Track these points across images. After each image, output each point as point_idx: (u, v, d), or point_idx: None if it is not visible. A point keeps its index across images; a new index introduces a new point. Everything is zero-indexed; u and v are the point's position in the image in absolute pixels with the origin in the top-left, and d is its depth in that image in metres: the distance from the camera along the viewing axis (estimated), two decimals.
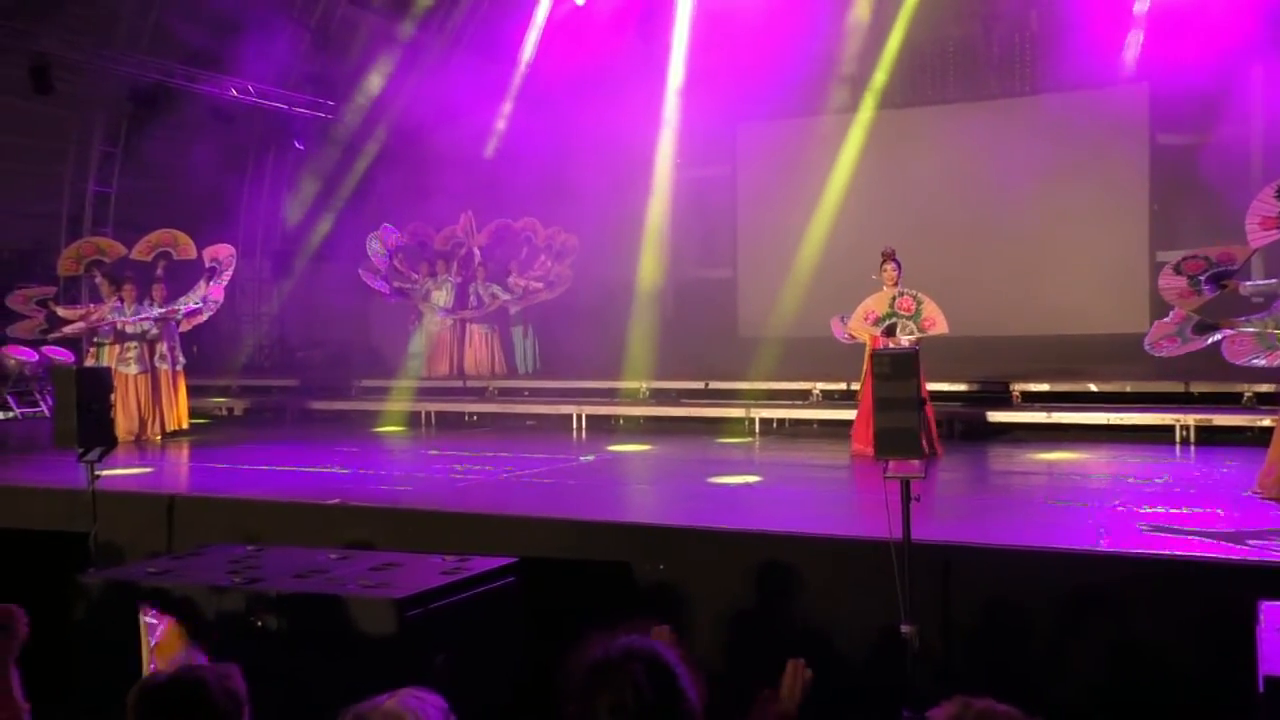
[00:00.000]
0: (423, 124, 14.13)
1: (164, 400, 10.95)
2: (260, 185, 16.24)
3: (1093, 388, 10.09)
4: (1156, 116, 12.35)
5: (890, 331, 8.38)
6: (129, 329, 10.79)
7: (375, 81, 14.79)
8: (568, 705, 2.13)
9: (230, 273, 11.52)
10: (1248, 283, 7.09)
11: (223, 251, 11.45)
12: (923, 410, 5.29)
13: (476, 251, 14.27)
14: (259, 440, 10.85)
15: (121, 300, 10.80)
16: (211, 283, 11.28)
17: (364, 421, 12.16)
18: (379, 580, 4.61)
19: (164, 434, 10.87)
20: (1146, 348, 7.23)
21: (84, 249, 11.54)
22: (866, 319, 8.45)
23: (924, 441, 7.96)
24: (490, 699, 4.58)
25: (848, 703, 5.10)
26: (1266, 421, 8.54)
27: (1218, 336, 6.80)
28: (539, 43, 14.55)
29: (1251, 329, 6.71)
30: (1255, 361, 6.82)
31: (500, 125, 14.63)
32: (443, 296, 14.05)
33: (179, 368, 11.14)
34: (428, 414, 12.17)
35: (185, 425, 11.14)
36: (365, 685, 2.38)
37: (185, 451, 10.31)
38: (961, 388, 10.24)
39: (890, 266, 8.48)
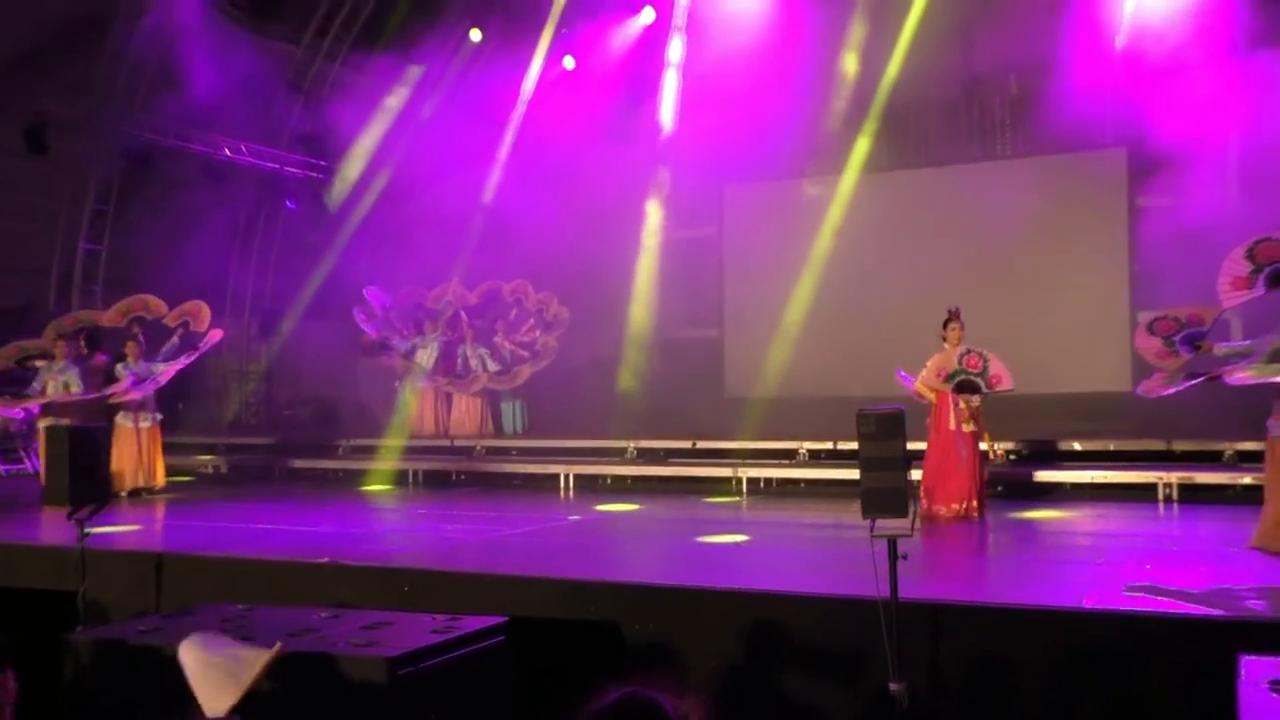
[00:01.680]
0: (414, 184, 14.31)
1: (146, 456, 10.96)
2: (251, 244, 16.35)
3: (1076, 446, 10.18)
4: (1135, 179, 12.59)
5: (962, 389, 8.42)
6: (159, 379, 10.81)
7: (368, 142, 14.99)
8: None
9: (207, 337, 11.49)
10: (1222, 344, 7.23)
11: (196, 313, 11.44)
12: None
13: (463, 313, 14.37)
14: (246, 499, 10.83)
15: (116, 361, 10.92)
16: (193, 349, 11.27)
17: (351, 480, 12.15)
18: (370, 639, 4.62)
19: (149, 490, 10.86)
20: (1140, 393, 7.30)
21: (134, 304, 11.57)
22: (938, 375, 8.48)
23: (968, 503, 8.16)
24: None
25: None
26: (1247, 479, 8.67)
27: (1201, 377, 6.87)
28: (529, 105, 14.77)
29: (1246, 369, 6.73)
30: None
31: (491, 186, 14.79)
32: (427, 356, 14.10)
33: (157, 422, 11.16)
34: (415, 473, 12.17)
35: (162, 483, 11.10)
36: None
37: (172, 509, 10.29)
38: None
39: (956, 325, 8.55)
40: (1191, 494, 9.00)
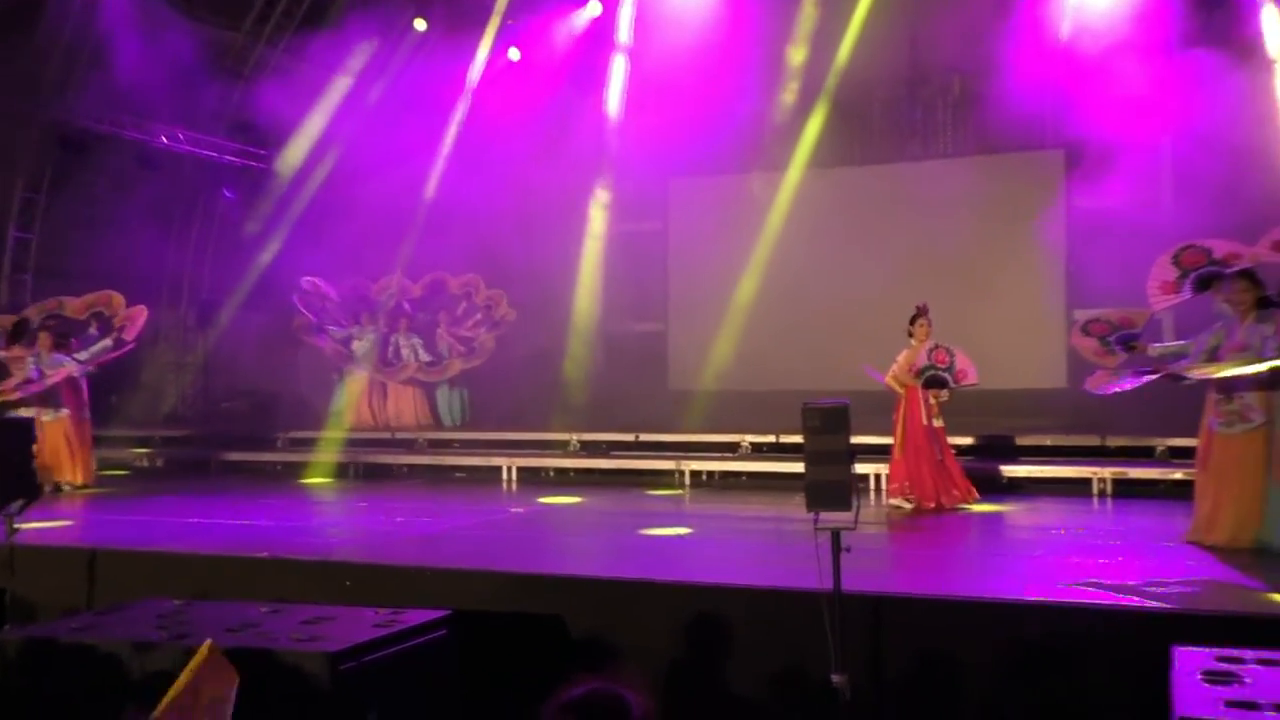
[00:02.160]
0: (357, 174, 14.13)
1: (75, 450, 10.74)
2: (187, 234, 16.04)
3: (1015, 441, 10.34)
4: (1072, 178, 12.79)
5: (930, 384, 8.57)
6: (49, 379, 10.59)
7: (309, 131, 14.77)
8: None
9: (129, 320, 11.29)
10: (1156, 345, 7.42)
11: (107, 303, 11.26)
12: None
13: (405, 304, 14.25)
14: (182, 493, 10.64)
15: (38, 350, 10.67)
16: (119, 340, 11.06)
17: (290, 473, 12.01)
18: (311, 634, 4.56)
19: (74, 485, 10.64)
20: (1087, 390, 7.43)
21: (99, 299, 11.37)
22: (909, 370, 8.60)
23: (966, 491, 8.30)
24: None
25: None
26: (1178, 475, 8.88)
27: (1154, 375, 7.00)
28: (475, 96, 14.66)
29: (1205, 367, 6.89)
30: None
31: (435, 176, 14.65)
32: (363, 347, 13.97)
33: (87, 419, 10.94)
34: (355, 466, 12.05)
35: (86, 480, 10.86)
36: None
37: (105, 504, 10.08)
38: (887, 440, 10.41)
39: (924, 321, 8.68)
40: (1125, 489, 9.19)
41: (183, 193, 15.45)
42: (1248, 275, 6.69)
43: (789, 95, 13.47)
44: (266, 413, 14.86)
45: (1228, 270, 6.86)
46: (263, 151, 15.24)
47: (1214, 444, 6.72)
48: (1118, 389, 7.14)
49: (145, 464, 13.04)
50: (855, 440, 4.93)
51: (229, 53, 14.90)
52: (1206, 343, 6.77)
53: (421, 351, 13.92)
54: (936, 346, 8.63)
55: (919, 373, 8.60)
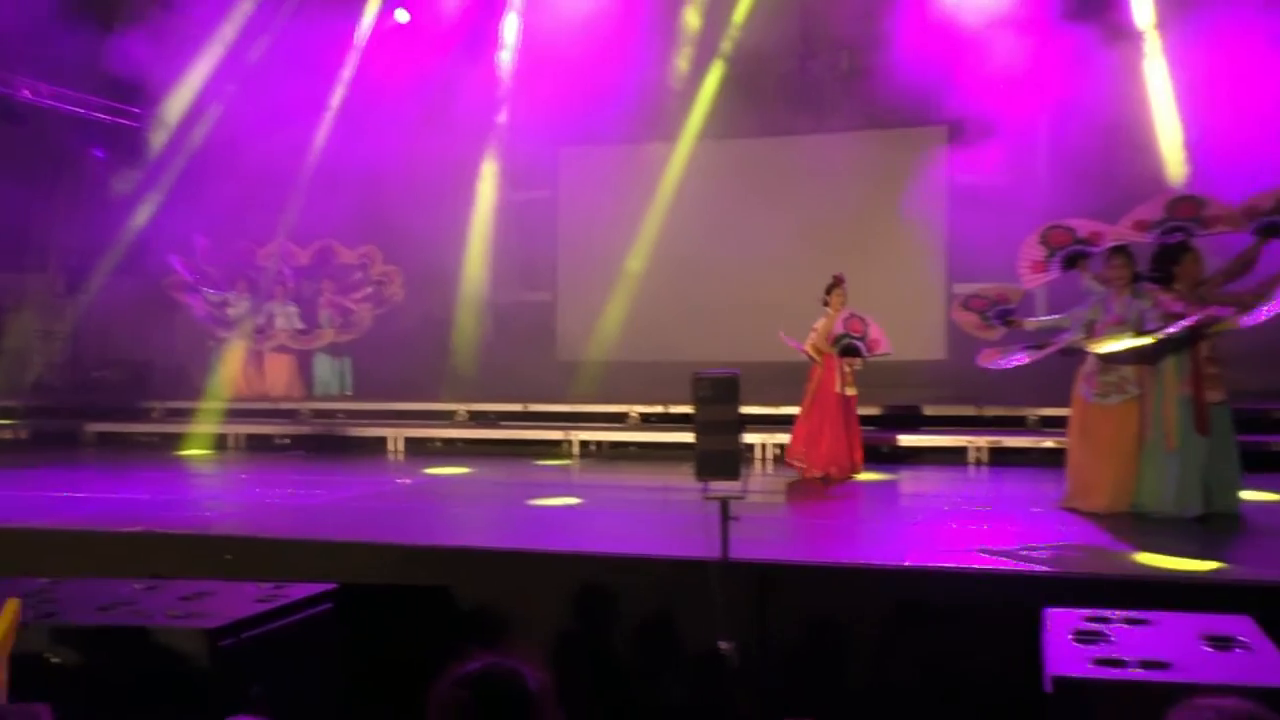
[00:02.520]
0: (237, 136, 13.65)
1: None
2: (55, 195, 15.31)
3: (895, 411, 10.58)
4: (954, 155, 13.07)
5: (845, 352, 8.68)
6: None
7: (186, 89, 14.21)
8: None
9: None
10: (1032, 319, 7.70)
11: None
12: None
13: (287, 270, 13.89)
14: (50, 465, 10.23)
15: None
16: None
17: (167, 445, 11.64)
18: (189, 610, 4.42)
19: None
20: (980, 365, 7.61)
21: None
22: (826, 339, 8.68)
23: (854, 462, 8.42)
24: None
25: (667, 719, 5.22)
26: (1049, 443, 9.23)
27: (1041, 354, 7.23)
28: (363, 57, 14.28)
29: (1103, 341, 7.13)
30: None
31: (320, 140, 14.25)
32: (238, 313, 13.61)
33: None
34: (236, 436, 11.74)
35: None
36: (180, 719, 2.32)
37: None
38: (774, 410, 10.57)
39: (839, 290, 8.74)
40: (999, 457, 9.49)
41: (49, 151, 14.73)
42: (1122, 251, 6.96)
43: (682, 64, 13.47)
44: (140, 382, 14.35)
45: (1093, 249, 7.16)
46: (135, 109, 14.61)
47: (1089, 414, 6.98)
48: (1008, 364, 7.35)
49: (9, 436, 12.49)
50: (745, 410, 4.98)
51: (101, 4, 14.22)
52: (1083, 317, 7.02)
53: (296, 320, 13.59)
54: (851, 315, 8.76)
55: (834, 340, 8.72)
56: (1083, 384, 7.02)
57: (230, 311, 13.65)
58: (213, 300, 13.69)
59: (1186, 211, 6.99)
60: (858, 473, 8.70)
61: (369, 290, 13.73)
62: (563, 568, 5.68)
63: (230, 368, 13.39)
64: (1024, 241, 7.46)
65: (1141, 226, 7.10)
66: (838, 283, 8.85)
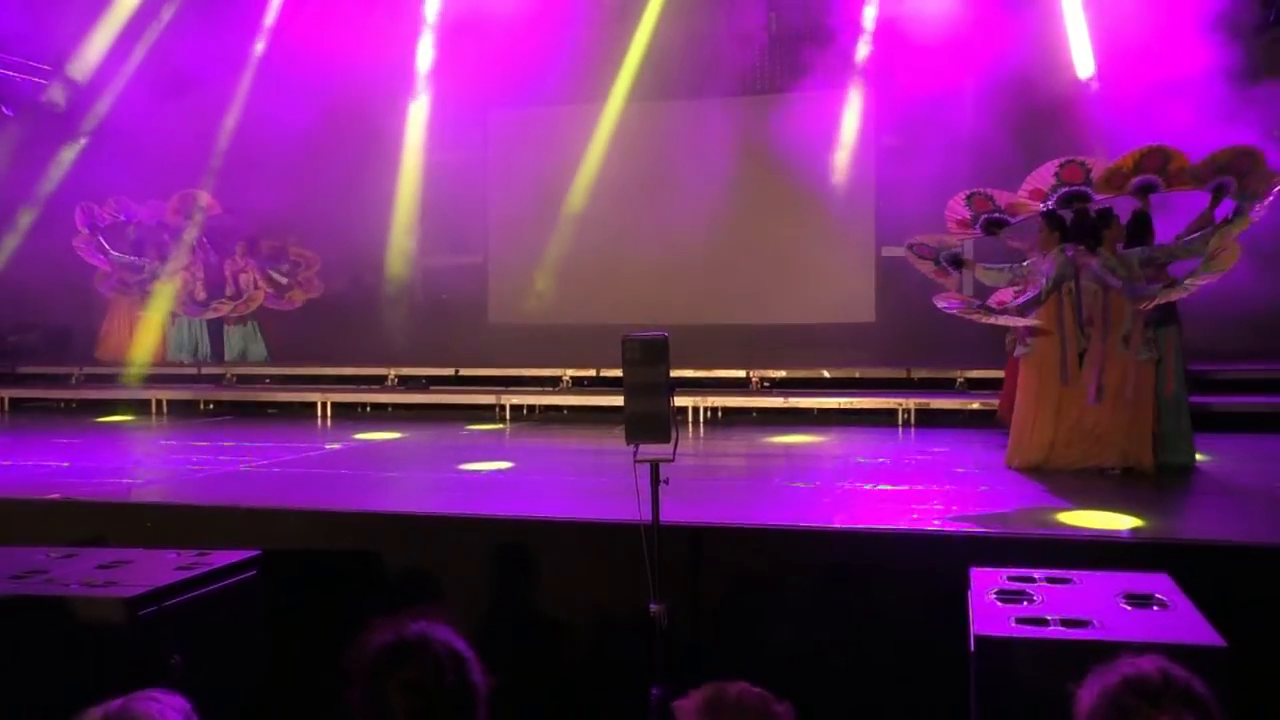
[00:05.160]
0: (152, 96, 13.24)
1: None
2: None
3: (825, 374, 10.67)
4: (880, 120, 13.13)
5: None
6: None
7: (99, 42, 13.72)
8: (353, 688, 2.13)
9: None
10: (982, 265, 7.83)
11: None
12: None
13: (204, 238, 13.50)
14: None
15: None
16: None
17: (87, 412, 11.36)
18: (106, 579, 4.32)
19: None
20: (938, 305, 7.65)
21: None
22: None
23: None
24: (233, 695, 4.40)
25: (598, 681, 5.23)
26: (975, 405, 9.39)
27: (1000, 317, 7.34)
28: (281, 13, 13.91)
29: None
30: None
31: (239, 99, 13.88)
32: (148, 275, 13.29)
33: None
34: (159, 402, 11.49)
35: None
36: (97, 690, 2.24)
37: None
38: (703, 374, 10.60)
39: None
40: (927, 418, 9.62)
41: None
42: (1050, 217, 7.16)
43: (610, 26, 13.33)
44: (59, 347, 13.96)
45: (1011, 219, 7.51)
46: (46, 66, 14.10)
47: (1023, 369, 7.12)
48: (961, 307, 7.41)
49: None
50: (676, 374, 4.96)
51: None
52: (1023, 269, 7.26)
53: (279, 277, 13.23)
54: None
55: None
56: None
57: (140, 274, 13.29)
58: (121, 262, 13.31)
59: (1153, 164, 7.16)
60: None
61: (284, 266, 13.35)
62: (494, 532, 5.64)
63: (115, 329, 13.12)
64: (950, 201, 7.67)
65: (1038, 195, 7.38)
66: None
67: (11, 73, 13.97)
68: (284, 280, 13.17)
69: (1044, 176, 7.34)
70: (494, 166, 14.80)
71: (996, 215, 7.51)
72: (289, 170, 13.16)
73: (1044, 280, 6.99)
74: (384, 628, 2.19)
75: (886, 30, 12.21)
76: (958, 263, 7.69)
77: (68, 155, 14.00)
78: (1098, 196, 7.34)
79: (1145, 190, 7.24)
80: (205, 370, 12.62)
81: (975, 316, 7.35)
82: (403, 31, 13.75)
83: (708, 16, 13.75)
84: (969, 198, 7.56)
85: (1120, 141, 8.04)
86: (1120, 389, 6.82)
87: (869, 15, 12.52)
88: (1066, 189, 7.26)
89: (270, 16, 13.93)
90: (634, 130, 13.46)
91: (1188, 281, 6.83)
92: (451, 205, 14.50)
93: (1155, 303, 6.77)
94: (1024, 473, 6.94)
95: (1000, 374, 8.55)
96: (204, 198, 13.42)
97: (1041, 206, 7.33)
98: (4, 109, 14.19)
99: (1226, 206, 7.06)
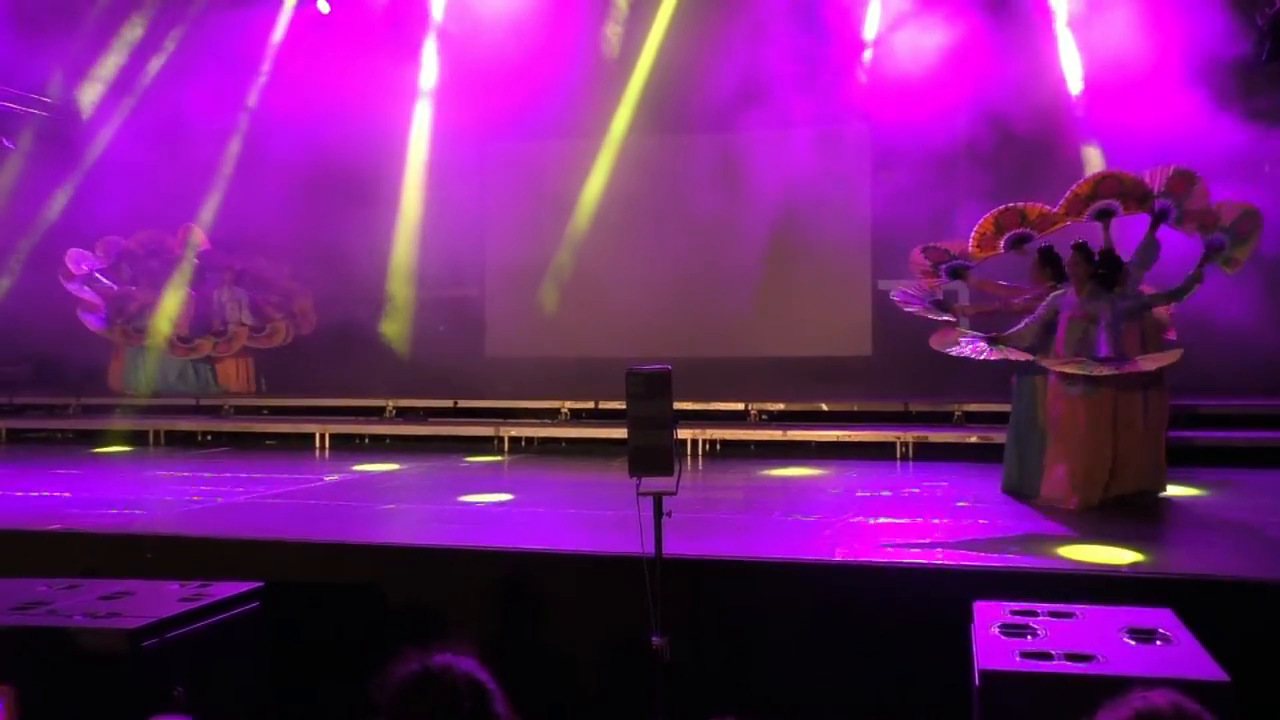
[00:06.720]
0: (154, 128, 13.31)
1: None
2: None
3: (823, 407, 10.69)
4: (878, 156, 13.21)
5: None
6: None
7: (102, 77, 13.81)
8: (378, 718, 2.17)
9: None
10: (971, 306, 8.08)
11: None
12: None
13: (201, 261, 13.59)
14: None
15: None
16: None
17: (84, 442, 11.34)
18: (109, 610, 4.32)
19: None
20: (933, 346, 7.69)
21: None
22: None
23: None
24: None
25: (599, 714, 5.21)
26: (974, 438, 9.40)
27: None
28: (280, 50, 14.00)
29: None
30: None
31: (239, 134, 13.96)
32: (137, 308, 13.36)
33: None
34: (157, 433, 11.48)
35: None
36: None
37: None
38: (702, 406, 10.62)
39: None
40: (926, 452, 9.63)
41: None
42: (1080, 249, 7.13)
43: (610, 59, 13.43)
44: (55, 378, 13.95)
45: (969, 264, 7.81)
46: (45, 99, 14.18)
47: (1072, 406, 7.02)
48: (960, 352, 7.41)
49: None
50: (678, 406, 4.98)
51: None
52: (1040, 315, 7.25)
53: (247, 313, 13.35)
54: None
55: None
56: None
57: (129, 306, 13.37)
58: (110, 295, 13.41)
59: (1179, 188, 7.27)
60: None
61: (274, 299, 13.45)
62: (495, 564, 5.64)
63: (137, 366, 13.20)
64: (910, 255, 8.04)
65: (986, 244, 7.67)
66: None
67: (12, 105, 14.04)
68: (275, 315, 13.26)
69: (985, 225, 7.64)
70: (492, 200, 14.86)
71: (956, 262, 7.82)
72: (286, 203, 13.22)
73: (1076, 316, 7.06)
74: (410, 659, 2.22)
75: (880, 65, 12.34)
76: (957, 273, 7.90)
77: (69, 186, 14.05)
78: (1039, 236, 7.60)
79: (1104, 215, 7.32)
80: (204, 402, 12.63)
81: (976, 347, 7.38)
82: (402, 67, 13.84)
83: (705, 53, 13.86)
84: (925, 250, 7.89)
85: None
86: (1131, 421, 6.86)
87: (863, 51, 12.66)
88: (1011, 233, 7.60)
89: (270, 49, 14.01)
90: (631, 165, 13.53)
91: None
92: (449, 238, 14.55)
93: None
94: (1039, 509, 6.93)
95: (997, 408, 8.59)
96: (197, 233, 13.50)
97: (993, 252, 7.67)
98: (5, 141, 14.25)
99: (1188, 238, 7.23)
